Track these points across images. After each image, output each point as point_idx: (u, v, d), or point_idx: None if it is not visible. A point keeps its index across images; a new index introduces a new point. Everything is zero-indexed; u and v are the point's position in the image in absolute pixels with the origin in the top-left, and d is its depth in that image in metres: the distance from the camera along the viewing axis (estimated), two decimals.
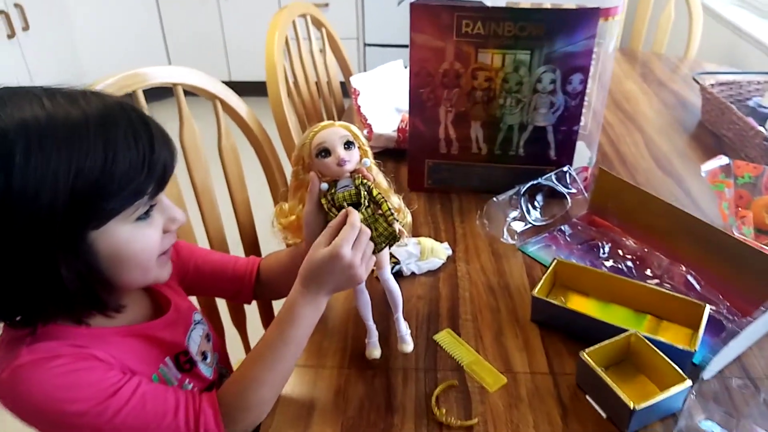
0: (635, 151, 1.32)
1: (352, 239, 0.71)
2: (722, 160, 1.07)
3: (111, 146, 0.60)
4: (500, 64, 1.02)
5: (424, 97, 1.07)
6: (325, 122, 0.78)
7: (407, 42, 1.04)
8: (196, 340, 0.83)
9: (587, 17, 0.96)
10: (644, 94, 1.62)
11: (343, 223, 0.72)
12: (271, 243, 0.98)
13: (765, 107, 1.32)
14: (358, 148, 0.77)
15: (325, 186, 0.77)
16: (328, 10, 3.36)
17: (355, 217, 0.72)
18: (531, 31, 0.99)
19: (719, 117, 1.34)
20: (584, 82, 1.01)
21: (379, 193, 0.75)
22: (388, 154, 1.28)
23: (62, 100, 0.62)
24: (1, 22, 2.72)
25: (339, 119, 1.61)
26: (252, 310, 1.18)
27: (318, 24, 1.57)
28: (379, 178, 0.80)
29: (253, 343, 1.22)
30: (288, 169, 1.26)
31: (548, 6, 1.02)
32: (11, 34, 2.77)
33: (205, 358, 0.84)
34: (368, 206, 0.75)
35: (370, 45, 3.52)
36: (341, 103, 1.66)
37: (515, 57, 1.01)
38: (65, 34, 3.26)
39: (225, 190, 1.15)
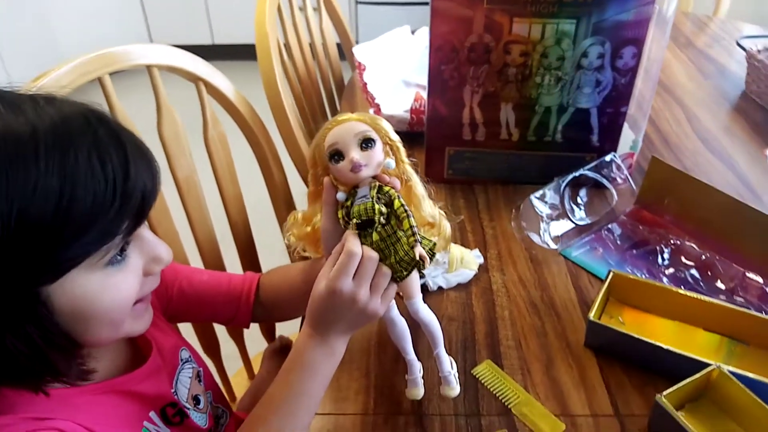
0: (678, 130, 1.17)
1: (351, 270, 0.57)
2: None
3: (69, 174, 0.45)
4: (539, 36, 0.86)
5: (447, 75, 0.91)
6: (343, 115, 0.61)
7: None
8: (185, 384, 0.69)
9: None
10: (679, 61, 1.46)
11: None
12: (269, 245, 0.83)
13: None
14: (385, 144, 0.61)
15: (342, 196, 0.61)
16: None
17: (352, 242, 0.57)
18: None
19: None
20: (637, 56, 0.86)
21: (402, 206, 0.59)
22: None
23: (1, 107, 0.46)
24: None
25: (339, 95, 1.46)
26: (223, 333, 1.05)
27: None
28: (413, 180, 0.64)
29: (230, 372, 1.11)
30: (287, 160, 1.11)
31: None
32: None
33: (197, 402, 0.70)
34: (386, 223, 0.59)
35: (362, 3, 3.29)
36: (340, 76, 1.49)
37: (557, 27, 0.85)
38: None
39: (213, 186, 0.99)
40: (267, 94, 1.06)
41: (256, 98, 1.04)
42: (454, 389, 0.65)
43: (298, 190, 1.17)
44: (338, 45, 1.47)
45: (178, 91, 1.05)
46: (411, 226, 0.59)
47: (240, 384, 1.13)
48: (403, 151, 0.63)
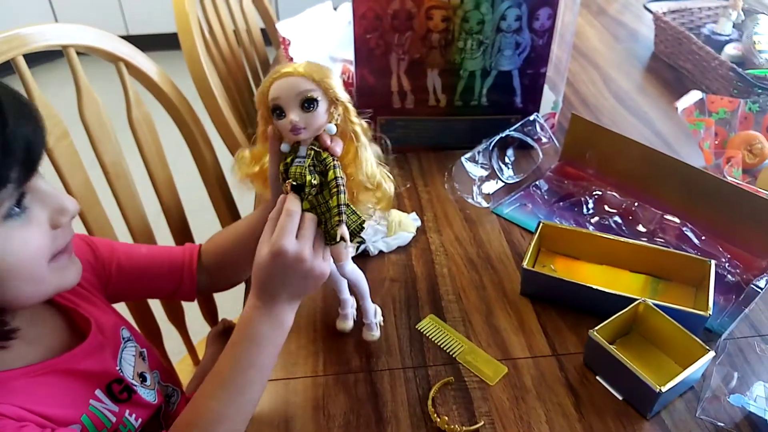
0: (595, 91, 1.23)
1: (293, 229, 0.56)
2: (695, 95, 0.99)
3: None
4: (459, 0, 0.88)
5: (372, 44, 0.92)
6: (290, 66, 0.57)
7: None
8: (129, 361, 0.68)
9: None
10: (592, 28, 1.52)
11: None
12: (204, 228, 0.83)
13: (720, 34, 1.25)
14: (332, 103, 0.58)
15: (285, 148, 0.60)
16: None
17: (291, 202, 0.57)
18: None
19: (676, 48, 1.27)
20: (553, 17, 0.89)
21: (336, 179, 0.57)
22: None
23: None
24: None
25: (264, 74, 1.44)
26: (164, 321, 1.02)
27: None
28: (361, 142, 0.61)
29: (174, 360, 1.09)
30: (215, 138, 1.09)
31: None
32: None
33: (144, 380, 0.69)
34: (319, 193, 0.58)
35: None
36: (264, 54, 1.48)
37: None
38: None
39: (142, 169, 0.97)
40: (191, 72, 1.04)
41: (179, 88, 1.01)
42: (375, 334, 0.70)
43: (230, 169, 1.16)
44: (262, 30, 1.46)
45: (98, 74, 1.02)
46: (338, 204, 0.57)
47: (185, 371, 1.12)
48: (352, 110, 0.60)
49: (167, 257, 0.76)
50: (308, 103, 0.56)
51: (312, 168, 0.58)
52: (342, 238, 0.58)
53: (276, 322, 0.59)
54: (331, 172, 0.58)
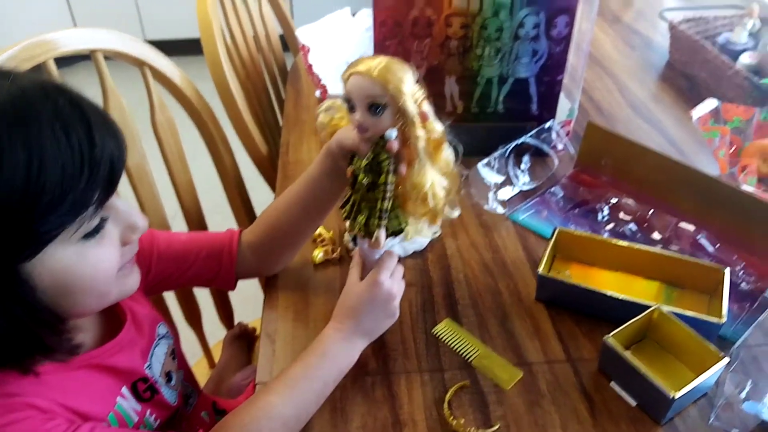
0: (610, 99, 1.23)
1: (390, 267, 0.66)
2: (711, 104, 0.99)
3: (35, 147, 0.45)
4: (478, 7, 0.89)
5: (392, 50, 0.93)
6: (364, 63, 0.58)
7: None
8: (159, 358, 0.69)
9: None
10: (607, 36, 1.53)
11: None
12: (219, 229, 0.84)
13: (735, 43, 1.26)
14: (397, 113, 0.59)
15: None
16: None
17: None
18: None
19: (691, 56, 1.27)
20: (570, 25, 0.90)
21: (385, 184, 0.60)
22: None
23: None
24: None
25: (282, 79, 1.46)
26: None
27: None
28: (420, 158, 0.61)
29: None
30: (235, 142, 1.11)
31: None
32: None
33: (169, 379, 0.70)
34: (370, 190, 0.61)
35: None
36: (282, 59, 1.50)
37: None
38: None
39: (164, 172, 0.99)
40: (213, 77, 1.06)
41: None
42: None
43: (250, 174, 1.17)
44: (281, 36, 1.48)
45: (119, 76, 1.04)
46: (381, 209, 0.61)
47: (200, 373, 1.13)
48: (417, 123, 0.60)
49: (206, 243, 0.76)
50: (375, 108, 0.58)
51: (368, 168, 0.61)
52: (376, 239, 0.63)
53: (349, 346, 0.66)
54: (383, 176, 0.61)
